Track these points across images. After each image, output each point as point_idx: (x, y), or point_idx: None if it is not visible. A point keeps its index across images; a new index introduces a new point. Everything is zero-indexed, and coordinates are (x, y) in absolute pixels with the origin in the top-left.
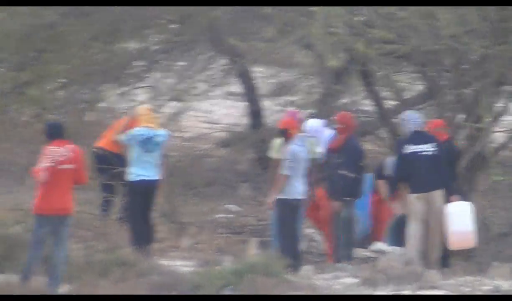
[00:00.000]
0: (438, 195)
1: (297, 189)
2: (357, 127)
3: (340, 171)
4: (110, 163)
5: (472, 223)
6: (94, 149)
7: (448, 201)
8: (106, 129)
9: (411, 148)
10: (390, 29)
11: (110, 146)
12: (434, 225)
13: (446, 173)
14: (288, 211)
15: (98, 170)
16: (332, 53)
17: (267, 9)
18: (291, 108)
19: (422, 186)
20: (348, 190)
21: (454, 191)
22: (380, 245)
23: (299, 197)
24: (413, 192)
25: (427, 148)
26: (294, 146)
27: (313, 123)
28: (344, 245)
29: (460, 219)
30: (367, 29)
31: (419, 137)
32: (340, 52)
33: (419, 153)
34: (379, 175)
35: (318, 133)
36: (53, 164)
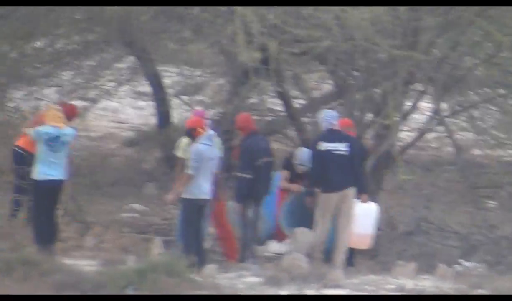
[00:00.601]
0: (350, 193)
1: (203, 189)
2: (254, 128)
3: (236, 172)
4: (26, 163)
5: (373, 226)
6: (14, 148)
7: (358, 199)
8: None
9: (325, 146)
10: (302, 29)
11: (27, 145)
12: (343, 224)
13: (359, 171)
14: (193, 210)
15: (14, 169)
16: (245, 50)
17: (180, 9)
18: (198, 108)
19: (334, 185)
20: (244, 191)
21: (364, 190)
22: (281, 245)
23: (204, 197)
24: (326, 190)
25: (341, 147)
26: (200, 146)
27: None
28: (247, 245)
29: (362, 220)
30: (281, 29)
31: (333, 135)
32: (253, 51)
33: (332, 151)
34: (285, 165)
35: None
36: None
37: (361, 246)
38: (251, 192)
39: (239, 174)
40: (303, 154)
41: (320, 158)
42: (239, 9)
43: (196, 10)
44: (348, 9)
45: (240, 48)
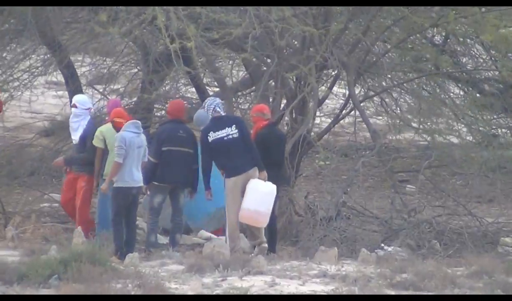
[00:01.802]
0: (252, 174)
1: (134, 177)
2: (178, 116)
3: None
4: None
5: (269, 205)
6: None
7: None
8: None
9: (213, 135)
10: (217, 13)
11: None
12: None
13: (253, 151)
14: (124, 198)
15: None
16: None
17: None
18: (113, 97)
19: (235, 168)
20: (148, 175)
21: (262, 168)
22: (205, 233)
23: (135, 185)
24: (229, 176)
25: (230, 132)
26: (125, 133)
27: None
28: (152, 232)
29: (266, 199)
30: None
31: (219, 123)
32: (165, 37)
33: (224, 138)
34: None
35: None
36: None
37: (256, 223)
38: (156, 178)
39: (148, 157)
40: (198, 116)
41: (213, 147)
42: None
43: None
44: None
45: (158, 35)
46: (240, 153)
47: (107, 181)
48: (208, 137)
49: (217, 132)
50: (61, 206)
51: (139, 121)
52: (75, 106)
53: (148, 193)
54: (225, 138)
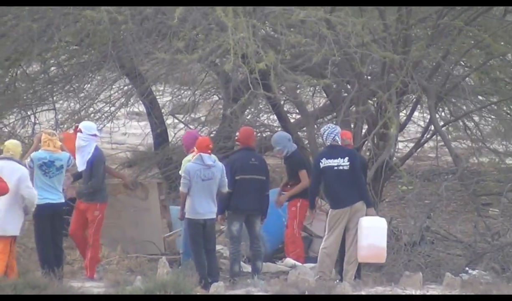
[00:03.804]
0: (358, 208)
1: (198, 209)
2: (249, 144)
3: None
4: None
5: (385, 239)
6: None
7: (365, 213)
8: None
9: (326, 162)
10: (295, 38)
11: None
12: (353, 238)
13: (362, 185)
14: (193, 229)
15: None
16: (239, 63)
17: (171, 27)
18: (193, 127)
19: (341, 201)
20: (222, 204)
21: (370, 204)
22: (291, 260)
23: (201, 217)
24: (334, 207)
25: (342, 163)
26: (189, 164)
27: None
28: (235, 261)
29: (375, 234)
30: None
31: (334, 151)
32: (248, 64)
33: (335, 167)
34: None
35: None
36: None
37: (376, 259)
38: (230, 206)
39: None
40: (275, 136)
41: (323, 174)
42: (228, 17)
43: (187, 27)
44: (341, 15)
45: (232, 61)
46: (347, 185)
47: (181, 206)
48: (321, 163)
49: (329, 160)
50: (70, 236)
51: (209, 155)
52: (80, 131)
53: (224, 222)
54: (335, 168)
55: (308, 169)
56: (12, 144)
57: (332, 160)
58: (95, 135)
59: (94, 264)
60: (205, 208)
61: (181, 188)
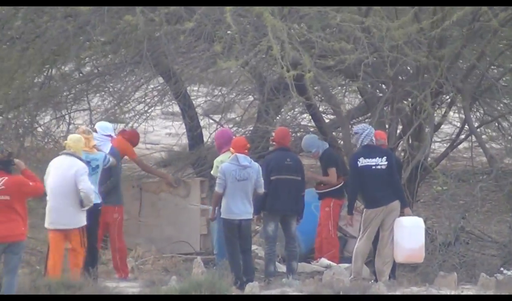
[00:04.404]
0: (393, 208)
1: (233, 209)
2: (285, 144)
3: None
4: None
5: (423, 238)
6: None
7: (401, 213)
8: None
9: (364, 161)
10: (330, 41)
11: None
12: (388, 238)
13: (398, 185)
14: (228, 229)
15: None
16: (279, 64)
17: (208, 28)
18: (226, 126)
19: (377, 201)
20: (257, 205)
21: (405, 204)
22: (326, 260)
23: (236, 217)
24: (369, 207)
25: (379, 162)
26: (225, 165)
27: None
28: (270, 261)
29: (413, 234)
30: (309, 43)
31: (371, 151)
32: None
33: (373, 167)
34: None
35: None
36: None
37: (414, 260)
38: (266, 207)
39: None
40: (306, 141)
41: (360, 174)
42: (269, 19)
43: (223, 28)
44: (376, 19)
45: (274, 63)
46: (383, 185)
47: (212, 207)
48: (358, 162)
49: (367, 159)
50: None
51: (245, 156)
52: (95, 131)
53: (260, 223)
54: (373, 167)
55: (339, 167)
56: (73, 141)
57: (370, 159)
58: (110, 135)
59: (124, 264)
60: (240, 208)
61: (216, 188)
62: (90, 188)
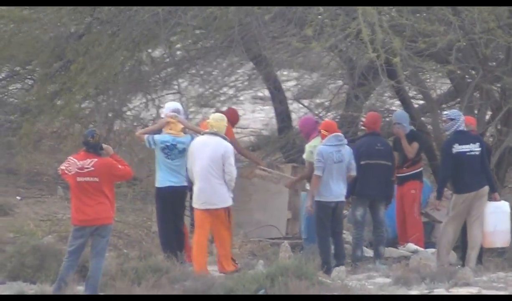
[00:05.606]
0: (484, 192)
1: (332, 191)
2: (375, 129)
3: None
4: None
5: (509, 222)
6: None
7: (490, 198)
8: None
9: (458, 148)
10: (422, 25)
11: None
12: (477, 223)
13: (488, 170)
14: (324, 212)
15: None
16: (369, 48)
17: (298, 12)
18: (311, 112)
19: (467, 186)
20: (348, 189)
21: (495, 189)
22: (413, 245)
23: (334, 199)
24: (460, 192)
25: (473, 148)
26: (322, 147)
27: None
28: (357, 245)
29: (499, 218)
30: (400, 27)
31: (465, 137)
32: (370, 52)
33: (467, 153)
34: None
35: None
36: (68, 173)
37: (500, 244)
38: (355, 191)
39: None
40: (399, 112)
41: (454, 160)
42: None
43: (314, 11)
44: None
45: (364, 47)
46: (476, 170)
47: (309, 195)
48: (453, 148)
49: (462, 146)
50: None
51: (341, 134)
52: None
53: (348, 207)
54: (467, 153)
55: (425, 149)
56: (215, 121)
57: (464, 145)
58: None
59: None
60: (337, 190)
61: (316, 172)
62: (235, 171)
